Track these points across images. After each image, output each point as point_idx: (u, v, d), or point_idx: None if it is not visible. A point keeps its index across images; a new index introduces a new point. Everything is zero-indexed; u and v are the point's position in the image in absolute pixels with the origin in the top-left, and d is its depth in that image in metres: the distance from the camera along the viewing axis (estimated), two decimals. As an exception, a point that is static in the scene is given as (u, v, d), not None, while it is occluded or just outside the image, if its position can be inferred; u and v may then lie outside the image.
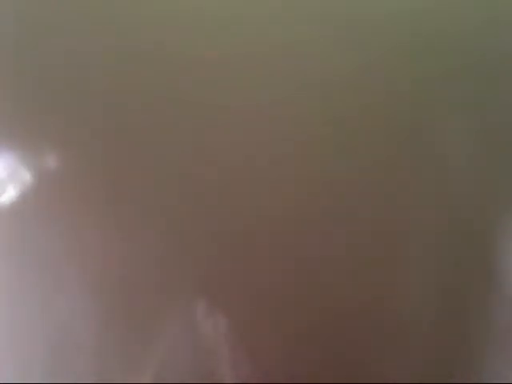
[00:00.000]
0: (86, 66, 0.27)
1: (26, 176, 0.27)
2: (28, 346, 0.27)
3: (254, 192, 0.27)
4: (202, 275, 0.27)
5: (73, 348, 0.27)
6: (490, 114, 0.27)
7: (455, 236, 0.27)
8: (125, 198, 0.27)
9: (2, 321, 0.27)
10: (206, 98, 0.27)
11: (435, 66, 0.27)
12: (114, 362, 0.27)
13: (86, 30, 0.27)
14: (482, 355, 0.27)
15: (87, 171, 0.27)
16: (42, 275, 0.27)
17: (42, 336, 0.27)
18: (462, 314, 0.27)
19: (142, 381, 0.27)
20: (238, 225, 0.27)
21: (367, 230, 0.27)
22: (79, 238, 0.27)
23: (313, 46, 0.27)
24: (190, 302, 0.27)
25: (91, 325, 0.27)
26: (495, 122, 0.28)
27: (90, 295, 0.27)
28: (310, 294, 0.27)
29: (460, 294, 0.27)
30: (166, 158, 0.27)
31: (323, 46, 0.27)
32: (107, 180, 0.27)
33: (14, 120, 0.27)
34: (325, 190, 0.27)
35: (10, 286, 0.27)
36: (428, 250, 0.27)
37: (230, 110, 0.27)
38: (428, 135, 0.27)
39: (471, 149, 0.27)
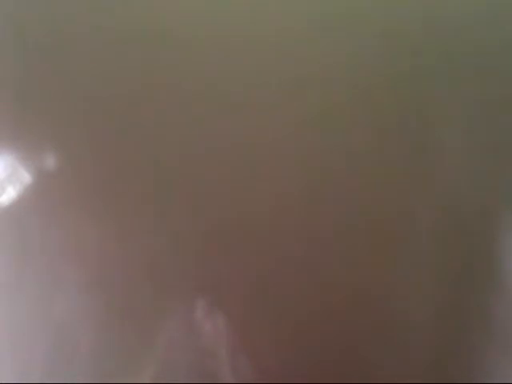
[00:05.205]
0: (86, 67, 0.27)
1: (26, 176, 0.27)
2: (28, 346, 0.27)
3: (254, 192, 0.27)
4: (201, 275, 0.27)
5: (73, 348, 0.27)
6: (490, 113, 0.27)
7: (455, 236, 0.27)
8: (124, 198, 0.27)
9: (2, 321, 0.27)
10: (206, 98, 0.27)
11: (435, 65, 0.27)
12: (113, 362, 0.27)
13: (87, 31, 0.27)
14: (482, 355, 0.27)
15: (87, 171, 0.27)
16: (42, 275, 0.27)
17: (42, 336, 0.27)
18: (462, 314, 0.27)
19: (142, 381, 0.27)
20: (238, 225, 0.27)
21: (367, 230, 0.27)
22: (79, 238, 0.27)
23: (313, 44, 0.27)
24: (190, 302, 0.27)
25: (91, 325, 0.27)
26: (495, 121, 0.28)
27: (90, 295, 0.26)
28: (309, 295, 0.26)
29: (460, 293, 0.27)
30: (166, 159, 0.27)
31: (323, 43, 0.27)
32: (107, 180, 0.27)
33: (14, 120, 0.27)
34: (325, 191, 0.27)
35: (9, 286, 0.27)
36: (428, 249, 0.27)
37: (229, 110, 0.27)
38: (428, 135, 0.27)
39: (471, 148, 0.27)
